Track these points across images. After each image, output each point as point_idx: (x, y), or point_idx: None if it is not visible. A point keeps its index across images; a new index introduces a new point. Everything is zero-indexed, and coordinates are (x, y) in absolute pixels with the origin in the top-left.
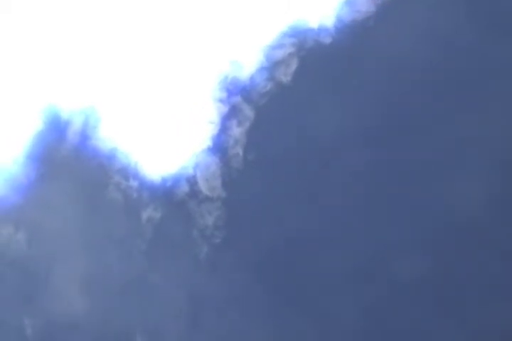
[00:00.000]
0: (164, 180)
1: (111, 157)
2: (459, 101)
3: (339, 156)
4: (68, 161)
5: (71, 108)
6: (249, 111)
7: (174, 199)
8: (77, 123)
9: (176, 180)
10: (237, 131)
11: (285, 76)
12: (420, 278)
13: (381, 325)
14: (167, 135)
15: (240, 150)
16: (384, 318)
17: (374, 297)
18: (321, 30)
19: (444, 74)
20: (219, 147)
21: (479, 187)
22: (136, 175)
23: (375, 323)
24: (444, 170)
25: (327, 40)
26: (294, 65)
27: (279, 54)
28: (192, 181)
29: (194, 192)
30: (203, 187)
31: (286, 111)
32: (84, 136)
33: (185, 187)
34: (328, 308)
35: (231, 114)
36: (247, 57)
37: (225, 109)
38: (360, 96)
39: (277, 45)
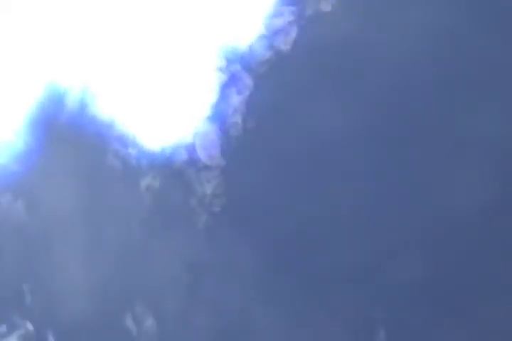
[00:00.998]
0: (163, 149)
1: (110, 125)
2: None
3: (339, 123)
4: (67, 129)
5: (70, 77)
6: (248, 80)
7: (173, 167)
8: (76, 92)
9: (175, 148)
10: (236, 99)
11: (285, 44)
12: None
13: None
14: (166, 103)
15: (239, 119)
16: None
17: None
18: None
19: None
20: (218, 115)
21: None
22: (134, 143)
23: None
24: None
25: (327, 8)
26: (293, 33)
27: (279, 22)
28: (191, 150)
29: (193, 160)
30: (201, 155)
31: (286, 80)
32: (83, 104)
33: (183, 156)
34: (327, 277)
35: (230, 83)
36: (246, 25)
37: (224, 77)
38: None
39: (276, 14)
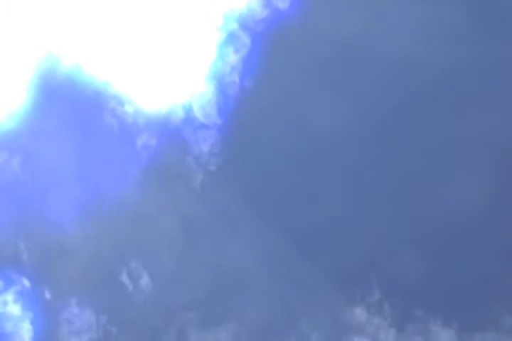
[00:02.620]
0: (160, 107)
1: (106, 83)
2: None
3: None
4: (63, 88)
5: (68, 37)
6: (245, 39)
7: (169, 126)
8: (73, 51)
9: (172, 107)
10: (233, 58)
11: (282, 2)
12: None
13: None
14: (163, 63)
15: (236, 78)
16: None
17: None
18: None
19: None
20: (215, 74)
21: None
22: (131, 102)
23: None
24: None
25: None
26: None
27: None
28: (187, 108)
29: (190, 119)
30: (198, 114)
31: (283, 38)
32: (80, 62)
33: (180, 115)
34: (324, 237)
35: (227, 41)
36: None
37: (221, 36)
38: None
39: None
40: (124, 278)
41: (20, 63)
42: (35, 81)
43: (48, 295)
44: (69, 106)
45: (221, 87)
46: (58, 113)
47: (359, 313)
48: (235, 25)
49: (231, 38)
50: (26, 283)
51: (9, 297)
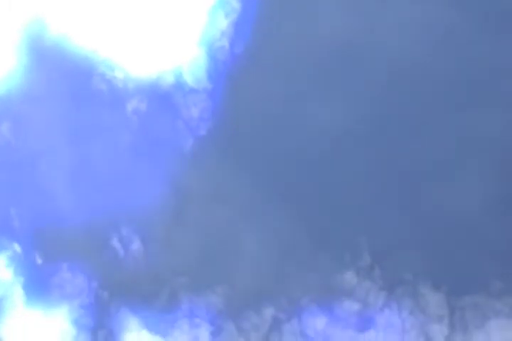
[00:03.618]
0: (150, 72)
1: (96, 48)
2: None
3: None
4: (52, 52)
5: (56, 3)
6: (235, 3)
7: (160, 91)
8: (62, 16)
9: (162, 71)
10: (223, 23)
11: None
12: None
13: None
14: (153, 27)
15: (226, 43)
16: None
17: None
18: None
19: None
20: (205, 39)
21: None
22: (121, 67)
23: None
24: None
25: None
26: None
27: None
28: (177, 73)
29: (180, 84)
30: (188, 79)
31: (273, 2)
32: (69, 28)
33: (170, 79)
34: (315, 203)
35: (218, 7)
36: None
37: (211, 1)
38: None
39: None
40: (116, 244)
41: (9, 29)
42: (24, 46)
43: (39, 261)
44: (58, 71)
45: (211, 52)
46: (48, 78)
47: (349, 277)
48: None
49: (221, 3)
50: (17, 248)
51: (1, 262)
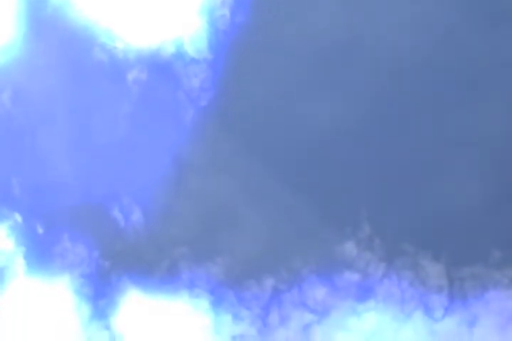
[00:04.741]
0: (150, 42)
1: (97, 18)
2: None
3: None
4: (52, 22)
5: None
6: None
7: (160, 61)
8: None
9: (162, 41)
10: None
11: None
12: None
13: None
14: None
15: (227, 12)
16: None
17: None
18: None
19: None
20: (206, 8)
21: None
22: (121, 37)
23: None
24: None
25: None
26: None
27: None
28: (178, 43)
29: (180, 54)
30: (189, 49)
31: None
32: None
33: (171, 49)
34: (314, 173)
35: None
36: None
37: None
38: None
39: None
40: (116, 214)
41: None
42: (23, 16)
43: (40, 230)
44: (59, 41)
45: (212, 21)
46: (48, 48)
47: (349, 248)
48: None
49: None
50: (18, 218)
51: (1, 232)
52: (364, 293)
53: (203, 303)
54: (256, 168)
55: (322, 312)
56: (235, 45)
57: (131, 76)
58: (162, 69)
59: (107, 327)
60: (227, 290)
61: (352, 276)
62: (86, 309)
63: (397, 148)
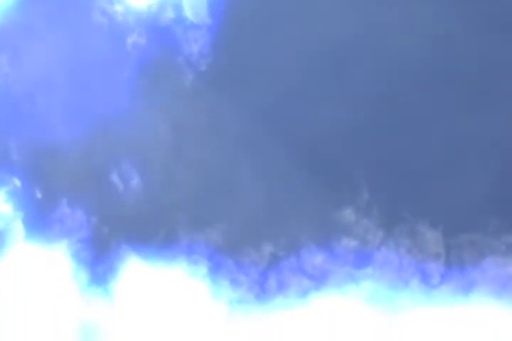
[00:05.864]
0: (150, 5)
1: None
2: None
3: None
4: None
5: None
6: None
7: (160, 25)
8: None
9: (162, 5)
10: None
11: None
12: None
13: None
14: None
15: None
16: None
17: None
18: None
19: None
20: None
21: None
22: (121, 0)
23: None
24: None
25: None
26: None
27: None
28: (178, 7)
29: (180, 18)
30: (188, 13)
31: None
32: None
33: (170, 14)
34: (314, 140)
35: None
36: None
37: None
38: None
39: None
40: (115, 179)
41: None
42: None
43: (38, 195)
44: (58, 4)
45: None
46: (47, 11)
47: (348, 215)
48: None
49: None
50: (17, 182)
51: (0, 197)
52: (362, 259)
53: (201, 269)
54: (255, 132)
55: (320, 279)
56: (234, 11)
57: (130, 40)
58: (161, 33)
59: (106, 293)
60: (226, 256)
61: (350, 243)
62: (84, 274)
63: (397, 117)
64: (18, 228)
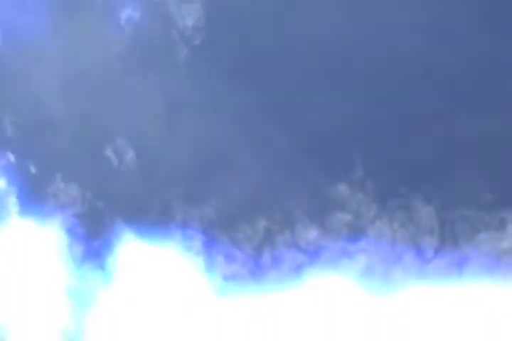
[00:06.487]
0: None
1: None
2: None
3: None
4: None
5: None
6: None
7: None
8: None
9: None
10: None
11: None
12: None
13: None
14: None
15: None
16: None
17: None
18: None
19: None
20: None
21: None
22: None
23: None
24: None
25: None
26: None
27: None
28: None
29: None
30: None
31: None
32: None
33: None
34: (307, 117)
35: None
36: None
37: None
38: None
39: None
40: (110, 154)
41: None
42: None
43: (33, 170)
44: None
45: None
46: None
47: (342, 190)
48: None
49: None
50: (11, 157)
51: None
52: (356, 234)
53: (196, 244)
54: (249, 106)
55: (314, 253)
56: None
57: (124, 14)
58: (155, 7)
59: (100, 267)
60: (220, 231)
61: (344, 217)
62: (79, 249)
63: (392, 96)
64: (12, 203)
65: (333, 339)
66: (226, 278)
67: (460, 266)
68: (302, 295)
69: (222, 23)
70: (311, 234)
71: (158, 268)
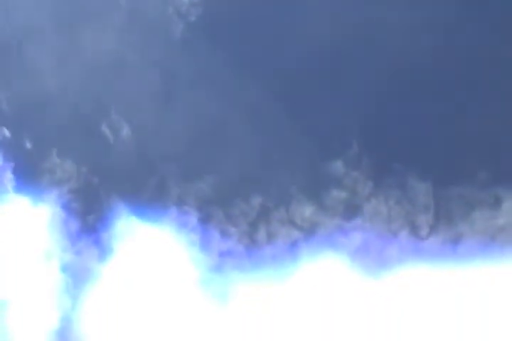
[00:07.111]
0: None
1: None
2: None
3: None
4: None
5: None
6: None
7: None
8: None
9: None
10: None
11: None
12: None
13: None
14: None
15: None
16: None
17: None
18: None
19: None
20: None
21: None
22: None
23: None
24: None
25: None
26: None
27: None
28: None
29: None
30: None
31: None
32: None
33: None
34: (303, 91)
35: None
36: None
37: None
38: None
39: None
40: (105, 130)
41: None
42: None
43: (28, 145)
44: None
45: None
46: None
47: (337, 167)
48: None
49: None
50: (7, 133)
51: None
52: (351, 211)
53: (191, 220)
54: (245, 83)
55: (309, 230)
56: None
57: None
58: None
59: (96, 242)
60: (216, 207)
61: (339, 194)
62: (74, 224)
63: (388, 73)
64: (8, 178)
65: (328, 317)
66: (222, 254)
67: (455, 243)
68: (297, 271)
69: None
70: (307, 211)
71: (153, 243)
